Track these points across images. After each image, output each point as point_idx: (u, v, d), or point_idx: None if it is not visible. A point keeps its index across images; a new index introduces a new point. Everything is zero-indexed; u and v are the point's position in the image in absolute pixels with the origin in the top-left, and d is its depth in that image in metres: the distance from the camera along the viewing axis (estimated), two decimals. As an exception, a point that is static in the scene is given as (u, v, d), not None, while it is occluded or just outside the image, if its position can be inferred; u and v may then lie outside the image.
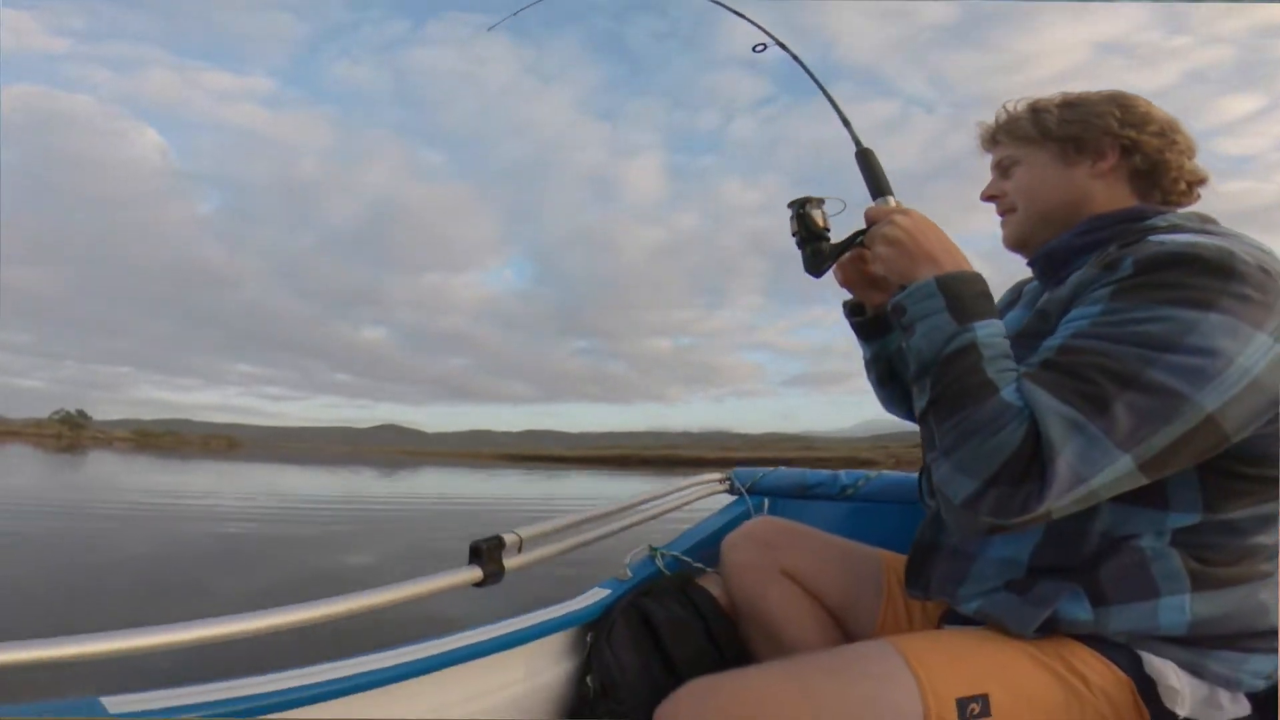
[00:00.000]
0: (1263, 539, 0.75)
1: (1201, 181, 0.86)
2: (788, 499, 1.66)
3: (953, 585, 0.86)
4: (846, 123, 0.99)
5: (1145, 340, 0.66)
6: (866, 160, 0.94)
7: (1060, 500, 0.66)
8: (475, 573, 0.98)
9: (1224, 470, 0.71)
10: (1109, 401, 0.65)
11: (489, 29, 1.42)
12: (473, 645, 0.96)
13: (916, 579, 0.93)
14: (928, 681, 0.71)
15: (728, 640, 1.16)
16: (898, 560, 1.06)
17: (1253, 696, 0.74)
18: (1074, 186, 0.86)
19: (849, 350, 1.22)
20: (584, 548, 1.22)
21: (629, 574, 1.29)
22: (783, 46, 1.09)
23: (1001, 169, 0.93)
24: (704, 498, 1.67)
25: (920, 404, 0.77)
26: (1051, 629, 0.76)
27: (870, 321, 1.09)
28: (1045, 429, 0.65)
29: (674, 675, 1.07)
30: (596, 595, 1.21)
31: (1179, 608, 0.73)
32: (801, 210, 0.97)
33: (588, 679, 1.09)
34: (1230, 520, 0.73)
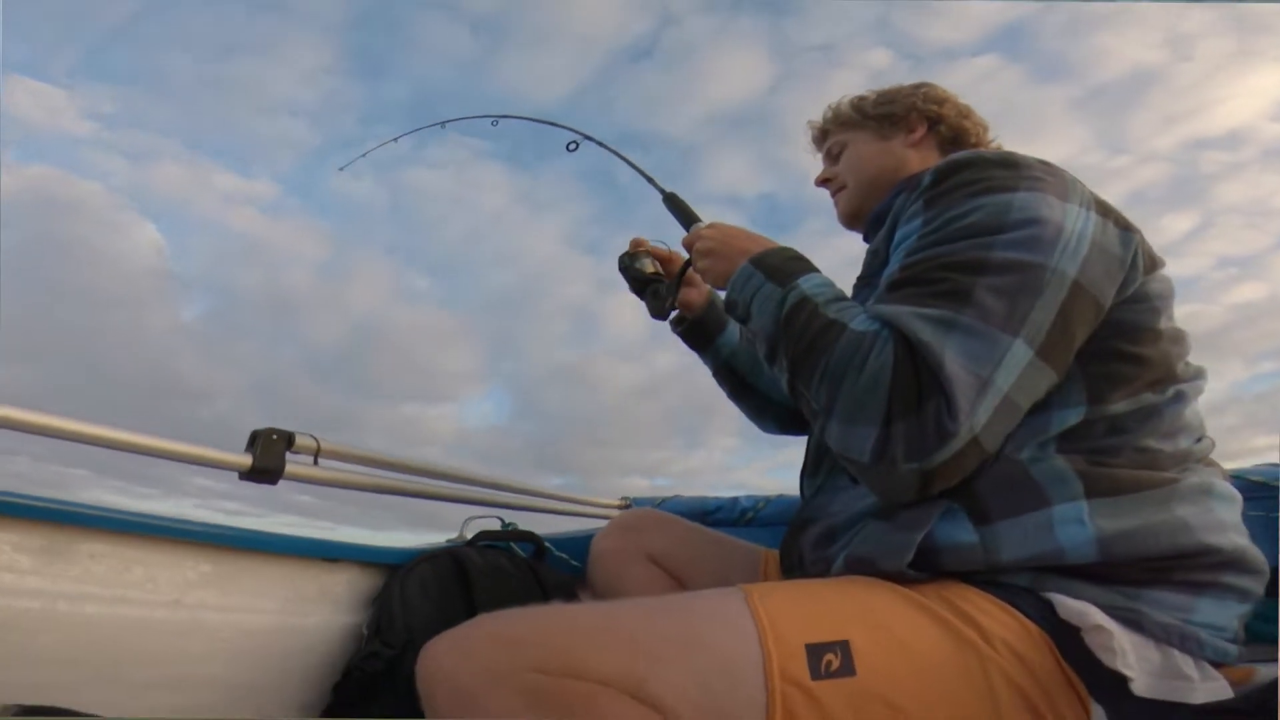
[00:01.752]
0: (1153, 442, 0.64)
1: (996, 150, 0.91)
2: (689, 526, 1.53)
3: (824, 546, 0.74)
4: (649, 179, 1.13)
5: (974, 230, 0.65)
6: (673, 202, 1.07)
7: (976, 413, 0.58)
8: (244, 459, 0.87)
9: (1105, 351, 0.65)
10: (969, 291, 0.61)
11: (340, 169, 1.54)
12: (246, 534, 0.83)
13: (789, 557, 0.81)
14: (769, 623, 0.56)
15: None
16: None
17: (1223, 669, 0.58)
18: (892, 155, 0.94)
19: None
20: (417, 500, 1.10)
21: (465, 536, 1.15)
22: (589, 139, 1.24)
23: (831, 156, 1.01)
24: (600, 519, 1.57)
25: (785, 380, 0.71)
26: (934, 566, 0.62)
27: (691, 327, 1.11)
28: (915, 335, 0.60)
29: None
30: (412, 541, 1.06)
31: (1077, 519, 0.60)
32: (630, 264, 1.05)
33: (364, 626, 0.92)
34: (1115, 415, 0.64)
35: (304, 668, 0.85)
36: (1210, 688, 0.57)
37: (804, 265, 0.76)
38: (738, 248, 0.81)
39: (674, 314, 1.09)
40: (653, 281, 1.04)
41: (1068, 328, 0.62)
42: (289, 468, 0.90)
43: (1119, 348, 0.65)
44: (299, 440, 0.92)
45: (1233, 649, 0.59)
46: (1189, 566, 0.60)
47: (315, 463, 0.95)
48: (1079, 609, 0.57)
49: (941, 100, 0.95)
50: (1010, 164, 0.69)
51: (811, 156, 1.06)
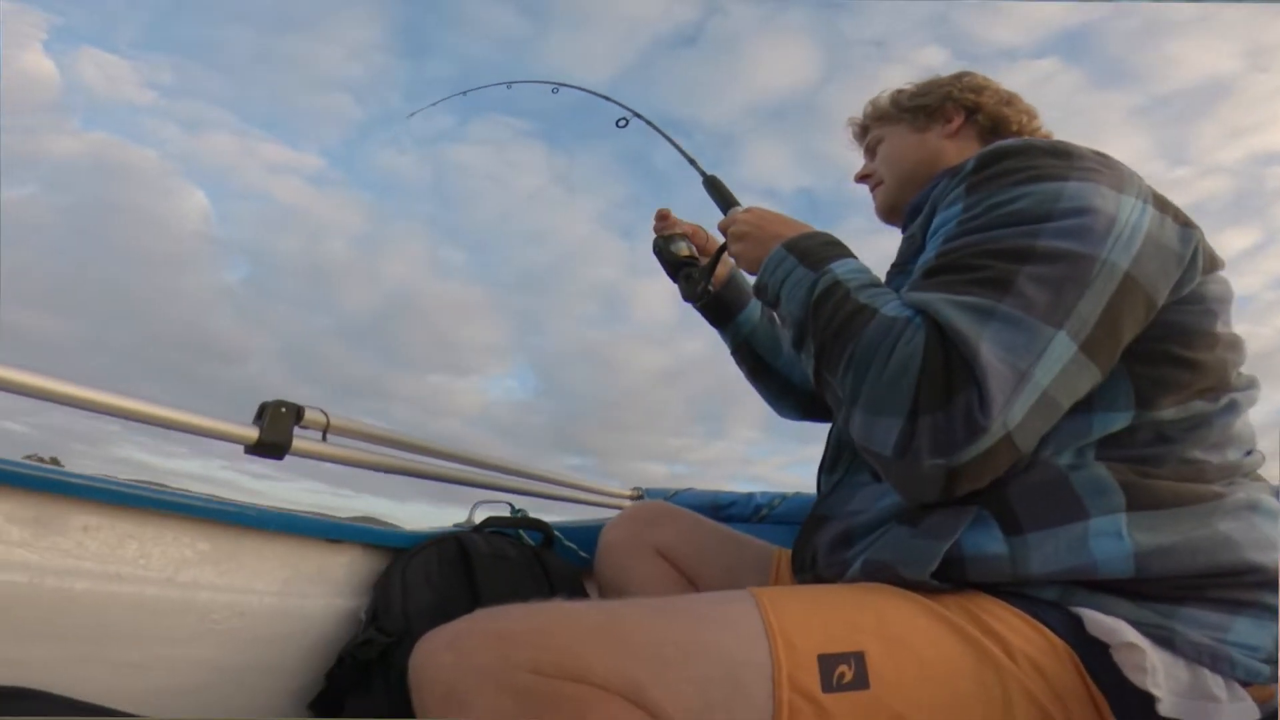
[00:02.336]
0: (1199, 453, 0.60)
1: (1046, 138, 0.85)
2: (701, 520, 1.51)
3: (841, 549, 0.70)
4: (692, 160, 1.12)
5: (1019, 217, 0.60)
6: (713, 185, 1.05)
7: (1011, 408, 0.54)
8: (251, 432, 0.84)
9: (1156, 354, 0.60)
10: (1011, 279, 0.57)
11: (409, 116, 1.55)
12: (244, 512, 0.80)
13: (802, 556, 0.77)
14: (779, 629, 0.53)
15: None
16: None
17: (1252, 688, 0.54)
18: (927, 147, 0.91)
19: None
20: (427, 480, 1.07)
21: (474, 521, 1.12)
22: (639, 116, 1.23)
23: (870, 150, 1.00)
24: (610, 510, 1.54)
25: (810, 367, 0.67)
26: (958, 577, 0.59)
27: (713, 303, 1.08)
28: (949, 323, 0.55)
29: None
30: (434, 515, 1.04)
31: (1115, 532, 0.56)
32: (664, 246, 1.04)
33: (362, 613, 0.90)
34: (1163, 422, 0.60)
35: (299, 652, 0.83)
36: (1238, 709, 0.53)
37: (839, 250, 0.73)
38: (772, 232, 0.79)
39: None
40: (686, 265, 1.02)
41: (1116, 324, 0.57)
42: (296, 443, 0.87)
43: (1171, 351, 0.60)
44: (308, 415, 0.90)
45: (1265, 669, 0.55)
46: (1229, 584, 0.56)
47: (324, 439, 0.93)
48: (1110, 625, 0.54)
49: (980, 89, 0.91)
50: (1062, 153, 0.65)
51: (854, 153, 1.04)
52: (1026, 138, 0.77)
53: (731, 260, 1.01)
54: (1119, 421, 0.60)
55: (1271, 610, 0.56)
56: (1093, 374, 0.57)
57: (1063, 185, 0.61)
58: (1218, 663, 0.54)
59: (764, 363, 1.08)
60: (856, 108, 1.02)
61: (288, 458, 0.88)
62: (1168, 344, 0.60)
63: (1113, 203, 0.60)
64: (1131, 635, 0.53)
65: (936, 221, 0.69)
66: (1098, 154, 0.66)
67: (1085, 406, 0.59)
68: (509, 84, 1.38)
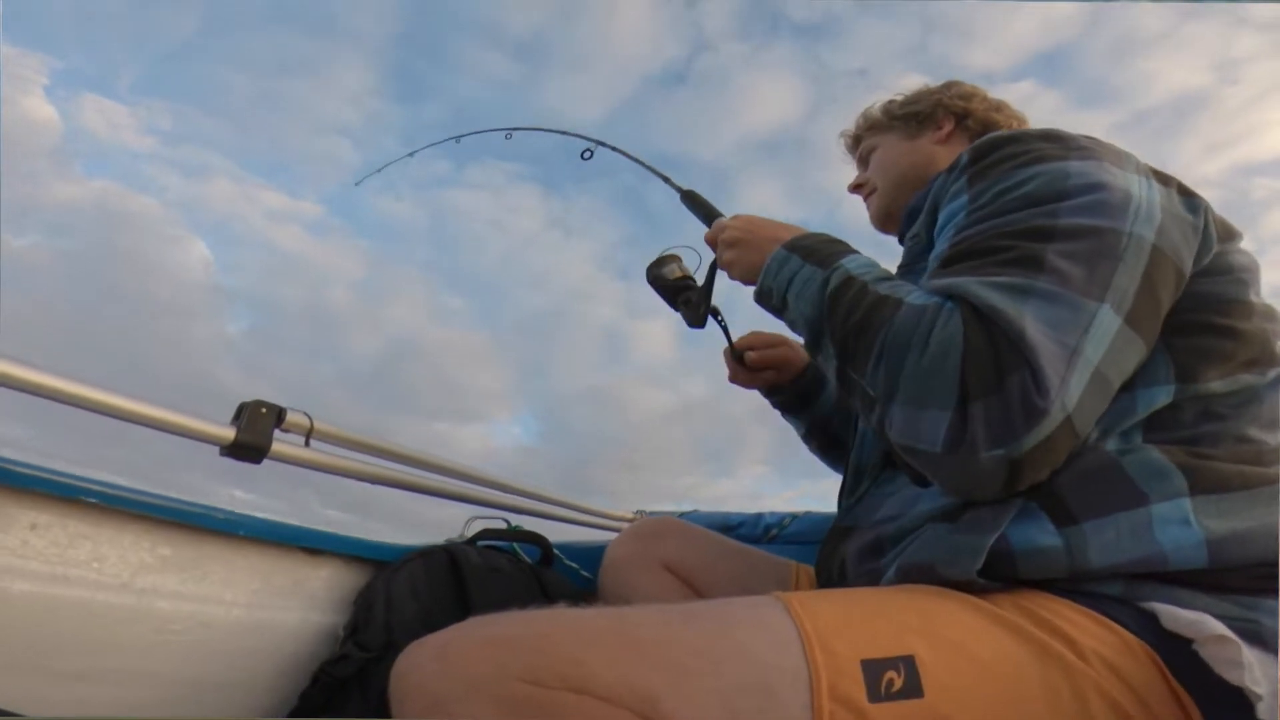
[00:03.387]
0: (1255, 431, 0.56)
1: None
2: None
3: (873, 557, 0.64)
4: (664, 178, 1.09)
5: (1032, 199, 0.58)
6: (692, 199, 1.03)
7: (1069, 387, 0.50)
8: (227, 433, 0.79)
9: (1191, 325, 0.57)
10: (1039, 256, 0.54)
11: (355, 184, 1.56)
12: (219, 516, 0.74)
13: (829, 568, 0.71)
14: (815, 632, 0.47)
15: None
16: (813, 572, 0.84)
17: None
18: (919, 153, 0.92)
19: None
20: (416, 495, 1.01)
21: (466, 535, 1.05)
22: (602, 144, 1.21)
23: (863, 160, 1.00)
24: (612, 531, 1.47)
25: (831, 368, 0.63)
26: (1008, 574, 0.53)
27: (789, 397, 1.03)
28: (986, 302, 0.52)
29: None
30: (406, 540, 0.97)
31: (1182, 519, 0.51)
32: (657, 272, 0.99)
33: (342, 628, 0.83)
34: (1209, 396, 0.56)
35: (270, 669, 0.76)
36: None
37: (844, 246, 0.70)
38: (767, 235, 0.76)
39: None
40: (683, 289, 0.97)
41: (1154, 294, 0.55)
42: (276, 446, 0.81)
43: (1208, 320, 0.57)
44: (290, 417, 0.84)
45: None
46: None
47: (307, 444, 0.87)
48: (1192, 619, 0.48)
49: (969, 95, 0.92)
50: (1054, 137, 0.64)
51: (848, 166, 1.04)
52: (1016, 127, 0.78)
53: (800, 355, 1.00)
54: (1161, 397, 0.56)
55: None
56: (1138, 349, 0.54)
57: (1066, 164, 0.59)
58: None
59: (839, 439, 1.02)
60: (846, 136, 1.03)
61: (267, 462, 0.83)
62: (1203, 314, 0.57)
63: (1121, 179, 0.58)
64: (1220, 628, 0.47)
65: (943, 217, 0.67)
66: (1089, 137, 0.65)
67: (1127, 385, 0.55)
68: (458, 138, 1.38)
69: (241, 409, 0.81)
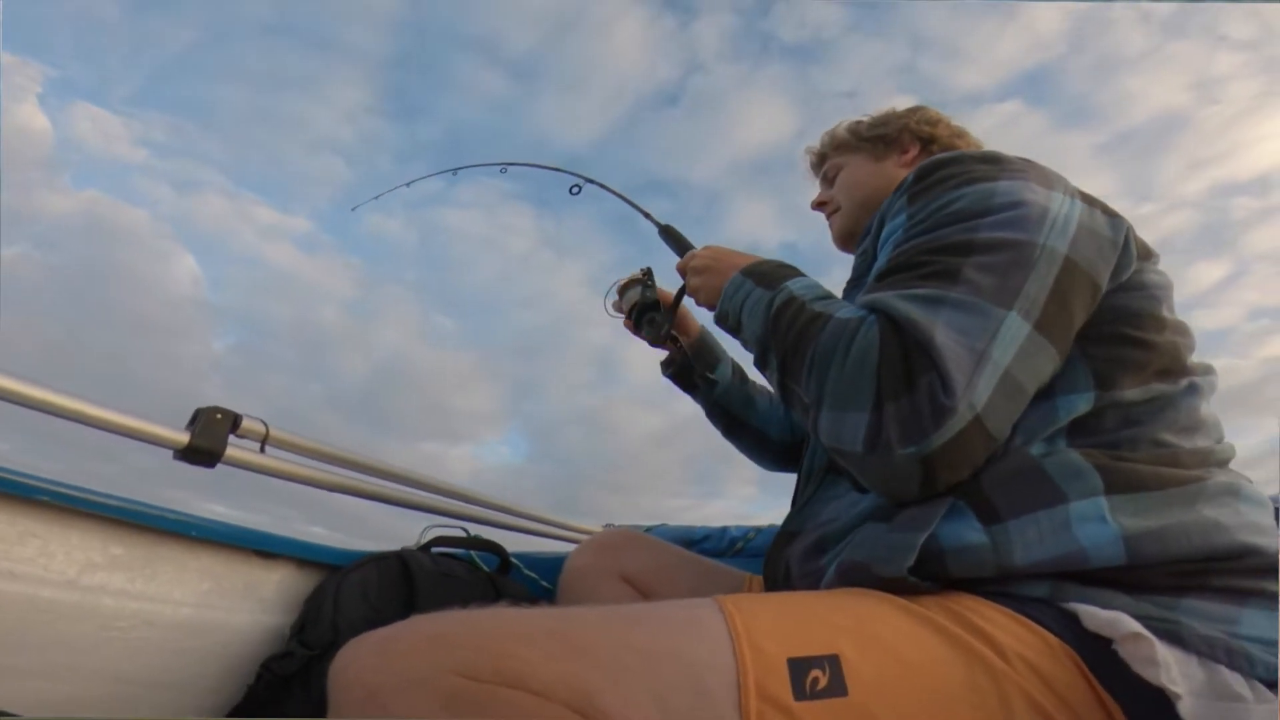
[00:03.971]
0: (1170, 436, 0.59)
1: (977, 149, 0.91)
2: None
3: (815, 557, 0.67)
4: (645, 214, 1.15)
5: (959, 216, 0.63)
6: (669, 233, 1.09)
7: (975, 388, 0.54)
8: (181, 437, 0.80)
9: (1109, 336, 0.61)
10: (958, 269, 0.59)
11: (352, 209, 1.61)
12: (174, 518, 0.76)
13: (774, 571, 0.74)
14: (745, 631, 0.49)
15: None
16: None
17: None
18: (884, 176, 0.95)
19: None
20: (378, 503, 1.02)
21: (421, 542, 1.07)
22: (590, 181, 1.27)
23: (827, 179, 1.03)
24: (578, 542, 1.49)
25: (775, 381, 0.68)
26: (938, 573, 0.55)
27: (681, 369, 1.11)
28: (902, 314, 0.57)
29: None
30: (360, 545, 0.99)
31: (1098, 516, 0.53)
32: (620, 299, 1.06)
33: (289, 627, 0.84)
34: (1127, 403, 0.60)
35: (217, 668, 0.77)
36: (1266, 711, 0.48)
37: (793, 271, 0.75)
38: (730, 263, 0.81)
39: (673, 347, 1.09)
40: (648, 310, 1.04)
41: (1065, 303, 0.59)
42: (230, 451, 0.83)
43: (1123, 332, 0.62)
44: (245, 424, 0.86)
45: None
46: (1229, 571, 0.52)
47: (262, 450, 0.89)
48: (1109, 618, 0.50)
49: (935, 121, 0.96)
50: (991, 159, 0.68)
51: (810, 182, 1.08)
52: (959, 149, 0.80)
53: (695, 325, 1.08)
54: (1082, 404, 0.59)
55: (1274, 598, 0.52)
56: (1050, 355, 0.58)
57: (994, 184, 0.64)
58: (1234, 658, 0.49)
59: (738, 420, 1.10)
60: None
61: (220, 467, 0.84)
62: (1118, 326, 0.61)
63: (1043, 196, 0.62)
64: (1136, 626, 0.49)
65: (884, 233, 0.71)
66: (1024, 159, 0.69)
67: (1048, 392, 0.60)
68: (455, 170, 1.44)
69: (197, 414, 0.83)
